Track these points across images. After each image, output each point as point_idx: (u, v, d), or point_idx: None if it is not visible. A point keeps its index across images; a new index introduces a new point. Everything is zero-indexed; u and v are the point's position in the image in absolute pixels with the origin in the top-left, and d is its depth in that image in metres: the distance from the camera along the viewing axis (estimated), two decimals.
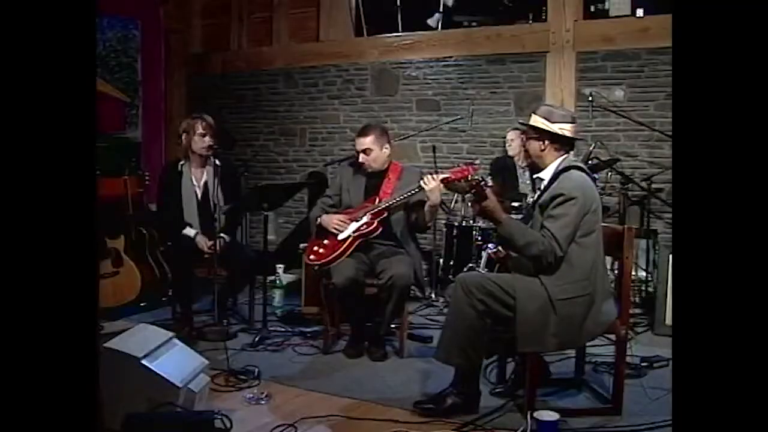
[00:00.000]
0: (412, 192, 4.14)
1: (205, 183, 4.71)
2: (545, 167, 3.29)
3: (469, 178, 3.33)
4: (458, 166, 4.22)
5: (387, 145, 4.37)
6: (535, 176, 3.39)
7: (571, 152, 3.33)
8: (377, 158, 4.32)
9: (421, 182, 4.04)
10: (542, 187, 3.28)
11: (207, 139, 4.62)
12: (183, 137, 4.71)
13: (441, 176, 4.01)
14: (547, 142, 3.25)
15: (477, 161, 6.05)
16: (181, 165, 4.74)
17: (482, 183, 3.22)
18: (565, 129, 3.22)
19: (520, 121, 3.47)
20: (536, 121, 3.26)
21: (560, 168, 3.21)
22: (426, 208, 4.17)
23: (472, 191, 3.23)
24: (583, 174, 3.20)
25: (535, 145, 3.30)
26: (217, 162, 4.56)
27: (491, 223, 3.39)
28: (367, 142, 4.31)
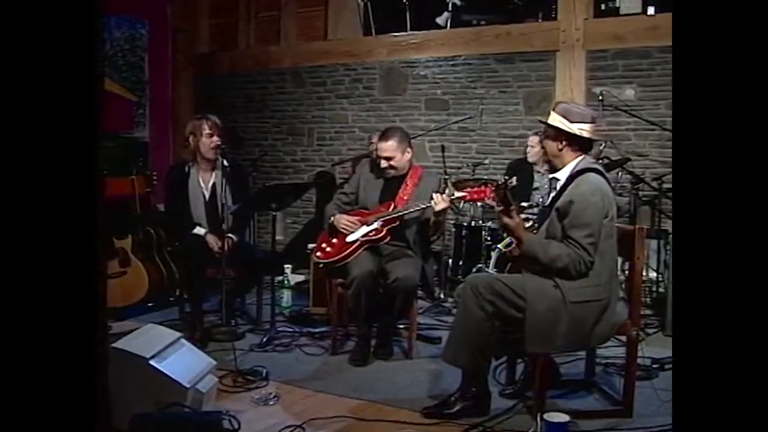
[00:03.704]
0: (426, 206, 4.07)
1: (213, 185, 4.70)
2: (562, 167, 3.25)
3: (495, 186, 3.29)
4: (478, 186, 4.14)
5: (408, 149, 4.32)
6: (551, 176, 3.35)
7: (590, 153, 3.31)
8: (399, 163, 4.28)
9: (432, 201, 3.96)
10: (558, 188, 3.25)
11: (215, 138, 4.62)
12: (190, 139, 4.70)
13: (457, 194, 3.95)
14: (564, 142, 3.21)
15: (486, 161, 6.05)
16: (188, 167, 4.74)
17: (505, 186, 3.19)
18: (583, 129, 3.18)
19: (540, 119, 3.44)
20: (554, 119, 3.21)
21: (577, 170, 3.18)
22: (431, 222, 4.16)
23: (499, 200, 3.21)
24: (601, 177, 3.17)
25: (552, 145, 3.25)
26: (226, 163, 4.56)
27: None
28: (389, 148, 4.24)
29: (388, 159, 4.25)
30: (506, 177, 3.27)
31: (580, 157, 3.23)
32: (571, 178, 3.18)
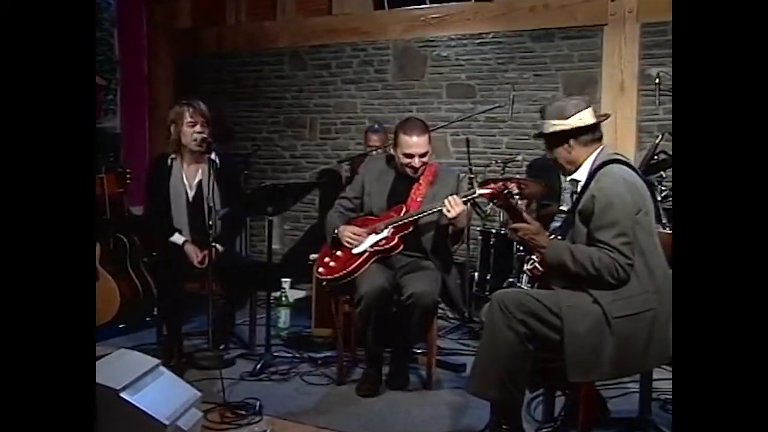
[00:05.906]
0: (440, 208, 4.07)
1: (199, 182, 4.70)
2: (579, 167, 3.31)
3: (498, 193, 3.36)
4: (497, 179, 4.15)
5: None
6: (569, 178, 3.41)
7: (602, 143, 3.34)
8: (426, 161, 4.30)
9: (444, 208, 3.98)
10: (579, 190, 3.29)
11: (197, 128, 4.63)
12: (171, 128, 4.72)
13: (480, 191, 3.98)
14: (571, 142, 3.28)
15: (519, 158, 6.03)
16: (171, 160, 4.76)
17: (506, 192, 3.24)
18: (583, 117, 3.25)
19: (534, 133, 3.51)
20: (550, 126, 3.30)
21: (597, 164, 3.22)
22: (450, 231, 4.17)
23: (505, 209, 3.26)
24: (625, 167, 3.19)
25: (561, 152, 3.33)
26: (213, 157, 4.56)
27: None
28: (422, 143, 4.24)
29: (421, 156, 4.25)
30: (507, 186, 3.33)
31: (597, 151, 3.28)
32: (591, 175, 3.21)
